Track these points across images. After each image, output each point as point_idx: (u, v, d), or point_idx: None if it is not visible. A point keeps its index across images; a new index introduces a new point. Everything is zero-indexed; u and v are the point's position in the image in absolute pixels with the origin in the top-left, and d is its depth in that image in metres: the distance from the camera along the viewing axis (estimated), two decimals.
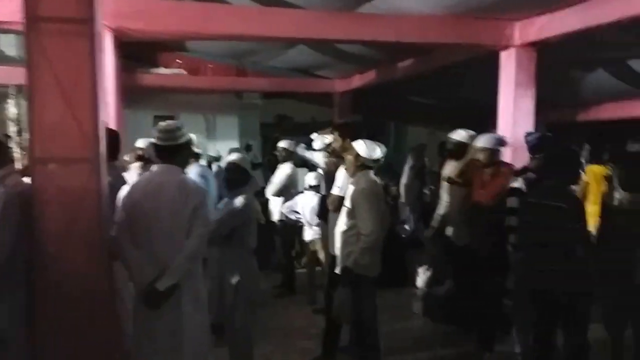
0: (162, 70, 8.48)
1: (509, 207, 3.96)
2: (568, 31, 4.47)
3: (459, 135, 4.77)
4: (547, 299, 3.30)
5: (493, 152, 4.26)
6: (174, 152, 2.79)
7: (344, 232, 3.56)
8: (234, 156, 3.76)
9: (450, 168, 4.87)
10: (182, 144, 2.82)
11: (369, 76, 8.26)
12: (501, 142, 4.38)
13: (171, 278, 2.63)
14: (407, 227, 7.89)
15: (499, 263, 4.02)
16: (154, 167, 2.92)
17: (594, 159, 5.43)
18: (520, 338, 3.96)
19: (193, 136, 5.20)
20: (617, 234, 3.61)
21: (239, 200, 3.49)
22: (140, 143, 5.03)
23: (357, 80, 8.66)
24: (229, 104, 9.78)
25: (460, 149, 4.70)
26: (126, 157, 4.94)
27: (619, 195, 3.71)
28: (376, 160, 3.57)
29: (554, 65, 5.83)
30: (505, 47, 5.10)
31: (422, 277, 5.47)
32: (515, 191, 3.97)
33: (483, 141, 4.29)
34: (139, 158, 4.90)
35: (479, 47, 5.28)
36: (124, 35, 4.53)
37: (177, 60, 8.42)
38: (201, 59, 8.46)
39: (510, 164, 4.51)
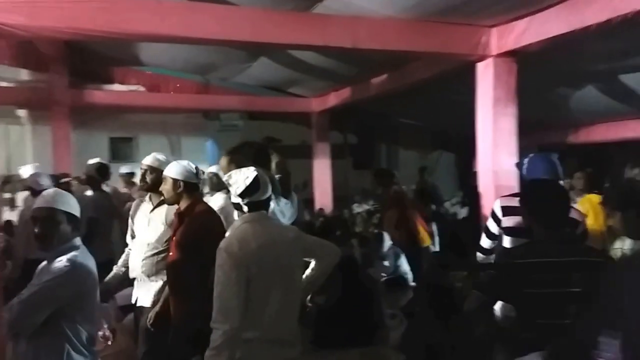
0: (117, 87, 7.76)
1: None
2: (551, 36, 3.88)
3: (152, 159, 3.33)
4: None
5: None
6: None
7: None
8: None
9: None
10: None
11: (344, 94, 7.68)
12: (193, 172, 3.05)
13: None
14: (386, 263, 6.99)
15: None
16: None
17: (594, 188, 4.47)
18: None
19: None
20: None
21: (59, 265, 2.17)
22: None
23: (333, 99, 8.05)
24: (197, 124, 9.07)
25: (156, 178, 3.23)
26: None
27: (623, 244, 2.87)
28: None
29: (537, 80, 5.25)
30: (482, 58, 4.52)
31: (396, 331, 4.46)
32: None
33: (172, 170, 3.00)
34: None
35: (453, 57, 4.69)
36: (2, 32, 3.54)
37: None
38: (162, 74, 7.80)
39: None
